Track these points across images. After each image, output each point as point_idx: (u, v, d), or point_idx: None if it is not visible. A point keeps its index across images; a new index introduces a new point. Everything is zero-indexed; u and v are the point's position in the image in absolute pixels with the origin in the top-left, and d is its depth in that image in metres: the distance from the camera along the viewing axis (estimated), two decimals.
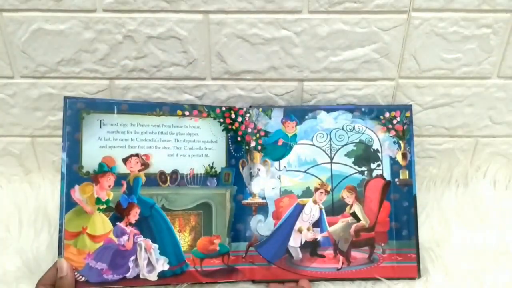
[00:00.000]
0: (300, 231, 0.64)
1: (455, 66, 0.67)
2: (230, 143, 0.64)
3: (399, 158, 0.65)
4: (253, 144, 0.65)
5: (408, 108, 0.66)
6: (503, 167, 0.75)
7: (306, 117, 0.66)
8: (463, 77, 0.68)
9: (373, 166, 0.65)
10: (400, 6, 0.62)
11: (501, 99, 0.70)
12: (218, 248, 0.62)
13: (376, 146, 0.66)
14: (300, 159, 0.66)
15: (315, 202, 0.65)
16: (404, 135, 0.66)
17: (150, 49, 0.65)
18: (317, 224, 0.64)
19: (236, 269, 0.62)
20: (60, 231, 0.57)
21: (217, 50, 0.65)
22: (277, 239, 0.64)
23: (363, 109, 0.66)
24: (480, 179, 0.75)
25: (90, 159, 0.59)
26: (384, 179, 0.65)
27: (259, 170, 0.65)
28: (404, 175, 0.65)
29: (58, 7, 0.62)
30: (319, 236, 0.64)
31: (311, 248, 0.64)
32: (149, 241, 0.60)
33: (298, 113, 0.66)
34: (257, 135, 0.65)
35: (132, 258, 0.59)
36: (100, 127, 0.60)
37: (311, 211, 0.64)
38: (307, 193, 0.65)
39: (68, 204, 0.58)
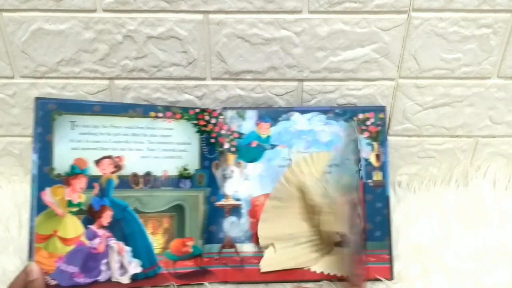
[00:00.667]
0: None
1: (455, 66, 0.67)
2: (203, 145, 0.64)
3: (372, 159, 0.65)
4: (226, 146, 0.65)
5: (382, 109, 0.67)
6: (503, 167, 0.75)
7: (280, 118, 0.66)
8: (463, 77, 0.68)
9: None
10: (400, 6, 0.62)
11: (501, 99, 0.70)
12: (191, 250, 0.62)
13: None
14: None
15: None
16: (378, 136, 0.66)
17: (150, 49, 0.65)
18: None
19: (209, 271, 0.62)
20: (31, 234, 0.57)
21: (217, 50, 0.65)
22: None
23: (336, 111, 0.66)
24: (480, 179, 0.75)
25: (62, 161, 0.59)
26: None
27: (232, 171, 0.65)
28: (377, 176, 0.65)
29: (58, 7, 0.62)
30: None
31: None
32: (122, 243, 0.60)
33: (272, 114, 0.66)
34: (231, 137, 0.65)
35: (104, 261, 0.59)
36: (72, 128, 0.59)
37: None
38: None
39: (39, 206, 0.57)
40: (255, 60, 0.66)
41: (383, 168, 0.65)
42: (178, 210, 0.62)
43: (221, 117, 0.65)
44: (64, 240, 0.58)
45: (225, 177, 0.64)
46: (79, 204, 0.59)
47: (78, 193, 0.59)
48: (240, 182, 0.65)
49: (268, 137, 0.66)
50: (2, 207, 0.69)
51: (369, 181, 0.65)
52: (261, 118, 0.66)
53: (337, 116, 0.66)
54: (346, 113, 0.66)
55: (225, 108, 0.66)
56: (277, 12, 0.63)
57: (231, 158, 0.65)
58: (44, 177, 0.58)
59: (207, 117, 0.64)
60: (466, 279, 0.60)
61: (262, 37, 0.64)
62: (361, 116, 0.66)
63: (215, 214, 0.64)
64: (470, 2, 0.62)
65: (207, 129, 0.64)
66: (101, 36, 0.64)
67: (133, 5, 0.62)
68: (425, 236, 0.67)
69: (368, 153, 0.66)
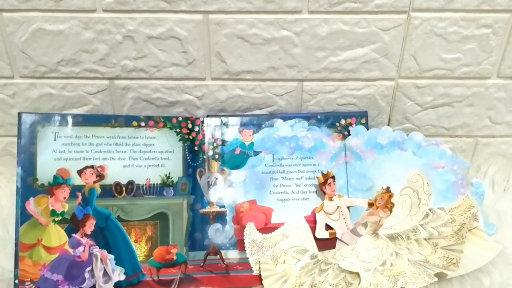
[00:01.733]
0: None
1: (455, 66, 0.67)
2: (187, 152, 0.65)
3: None
4: (210, 153, 0.65)
5: (364, 114, 0.67)
6: (503, 167, 0.75)
7: (263, 125, 0.67)
8: (463, 77, 0.68)
9: None
10: (400, 6, 0.62)
11: (501, 99, 0.70)
12: (175, 257, 0.62)
13: None
14: None
15: None
16: None
17: (150, 49, 0.65)
18: None
19: (194, 278, 0.62)
20: (16, 245, 0.58)
21: (216, 50, 0.65)
22: None
23: (319, 117, 0.67)
24: (480, 179, 0.74)
25: (45, 172, 0.60)
26: None
27: (216, 179, 0.65)
28: None
29: (58, 7, 0.62)
30: None
31: None
32: (105, 251, 0.60)
33: (255, 121, 0.67)
34: (214, 144, 0.65)
35: (88, 269, 0.59)
36: (55, 139, 0.61)
37: None
38: None
39: (23, 216, 0.59)
40: (255, 60, 0.66)
41: None
42: (161, 218, 0.63)
43: (204, 125, 0.65)
44: (48, 249, 0.59)
45: (209, 184, 0.65)
46: (62, 213, 0.60)
47: (61, 202, 0.60)
48: (224, 189, 0.65)
49: (252, 143, 0.66)
50: (1, 207, 0.69)
51: None
52: (244, 125, 0.66)
53: (320, 122, 0.67)
54: (328, 119, 0.67)
55: (208, 116, 0.66)
56: (277, 12, 0.63)
57: (215, 165, 0.65)
58: (28, 187, 0.59)
59: (190, 125, 0.65)
60: (465, 279, 0.60)
61: (262, 37, 0.64)
62: (343, 122, 0.67)
63: (200, 221, 0.64)
64: (470, 2, 0.62)
65: (191, 137, 0.65)
66: (101, 36, 0.64)
67: (133, 5, 0.62)
68: None
69: None
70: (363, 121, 0.67)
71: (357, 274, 0.58)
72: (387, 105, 0.70)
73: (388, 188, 0.64)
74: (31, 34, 0.63)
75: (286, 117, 0.67)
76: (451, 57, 0.66)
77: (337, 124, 0.67)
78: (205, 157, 0.65)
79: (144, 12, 0.62)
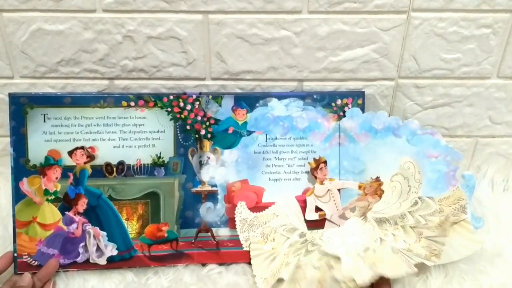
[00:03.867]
0: None
1: (455, 66, 0.67)
2: (178, 132, 0.64)
3: None
4: (202, 132, 0.65)
5: (361, 95, 0.66)
6: (502, 168, 0.75)
7: (257, 104, 0.66)
8: (462, 77, 0.68)
9: None
10: (399, 6, 0.62)
11: (501, 99, 0.70)
12: (166, 234, 0.64)
13: None
14: None
15: None
16: None
17: (149, 49, 0.65)
18: None
19: (185, 253, 0.63)
20: (13, 221, 0.61)
21: (216, 50, 0.65)
22: None
23: (314, 96, 0.66)
24: (480, 180, 0.74)
25: (36, 153, 0.62)
26: None
27: (208, 158, 0.65)
28: None
29: (58, 7, 0.62)
30: None
31: None
32: (97, 228, 0.62)
33: (248, 100, 0.66)
34: (207, 123, 0.65)
35: (82, 244, 0.62)
36: (44, 121, 0.62)
37: None
38: None
39: (17, 195, 0.61)
40: (255, 60, 0.66)
41: None
42: (152, 197, 0.64)
43: (197, 103, 0.65)
44: (43, 226, 0.62)
45: (201, 164, 0.65)
46: (55, 193, 0.62)
47: (53, 182, 0.62)
48: (216, 169, 0.65)
49: (245, 123, 0.66)
50: (0, 207, 0.69)
51: None
52: (237, 104, 0.65)
53: (315, 102, 0.66)
54: (324, 98, 0.66)
55: (201, 94, 0.66)
56: (276, 12, 0.63)
57: (207, 144, 0.65)
58: (21, 168, 0.61)
59: (182, 104, 0.64)
60: (464, 280, 0.60)
61: (262, 37, 0.64)
62: (339, 101, 0.66)
63: (191, 200, 0.64)
64: (470, 2, 0.62)
65: (182, 116, 0.64)
66: (100, 36, 0.64)
67: (133, 5, 0.62)
68: None
69: None
70: (359, 101, 0.66)
71: (339, 258, 0.58)
72: (387, 105, 0.70)
73: (377, 177, 0.64)
74: (31, 34, 0.63)
75: (280, 96, 0.66)
76: (451, 57, 0.66)
77: (333, 104, 0.66)
78: (197, 136, 0.65)
79: (144, 12, 0.62)
